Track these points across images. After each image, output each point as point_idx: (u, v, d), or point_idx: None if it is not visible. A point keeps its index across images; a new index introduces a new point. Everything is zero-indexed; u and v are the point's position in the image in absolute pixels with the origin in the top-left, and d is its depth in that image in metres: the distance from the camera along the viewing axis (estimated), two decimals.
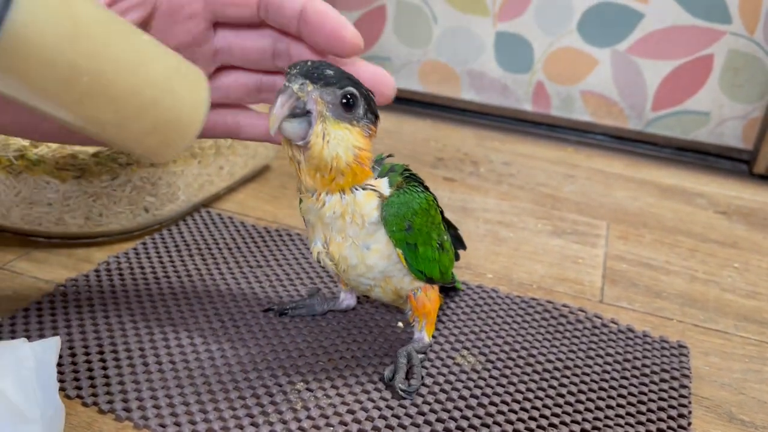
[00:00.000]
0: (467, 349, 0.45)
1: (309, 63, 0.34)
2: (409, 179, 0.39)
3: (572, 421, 0.39)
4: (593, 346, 0.47)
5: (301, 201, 0.39)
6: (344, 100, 0.34)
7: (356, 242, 0.38)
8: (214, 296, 0.49)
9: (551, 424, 0.39)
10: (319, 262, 0.40)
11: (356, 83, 0.35)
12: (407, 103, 1.09)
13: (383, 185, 0.38)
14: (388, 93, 0.37)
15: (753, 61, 0.90)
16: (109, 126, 0.27)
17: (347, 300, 0.47)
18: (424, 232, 0.39)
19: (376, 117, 0.37)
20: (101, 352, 0.41)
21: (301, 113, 0.33)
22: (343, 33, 0.34)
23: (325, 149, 0.34)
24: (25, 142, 0.50)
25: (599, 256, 0.62)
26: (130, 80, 0.26)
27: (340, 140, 0.34)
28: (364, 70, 0.37)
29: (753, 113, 0.93)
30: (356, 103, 0.35)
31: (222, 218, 0.61)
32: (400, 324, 0.47)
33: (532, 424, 0.38)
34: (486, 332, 0.47)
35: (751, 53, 0.90)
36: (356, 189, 0.37)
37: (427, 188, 0.41)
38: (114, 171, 0.52)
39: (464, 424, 0.38)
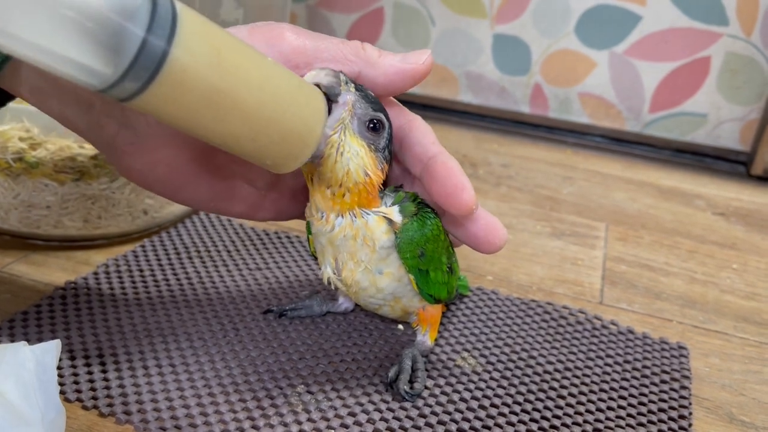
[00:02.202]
0: (468, 351, 0.45)
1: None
2: (421, 206, 0.39)
3: (573, 423, 0.39)
4: (593, 347, 0.47)
5: (308, 226, 0.40)
6: (372, 124, 0.35)
7: (369, 267, 0.38)
8: (213, 299, 0.48)
9: (552, 426, 0.39)
10: (330, 284, 0.40)
11: (388, 117, 0.36)
12: (405, 105, 1.08)
13: (394, 213, 0.38)
14: (498, 243, 0.37)
15: (750, 63, 0.90)
16: (244, 139, 0.29)
17: (346, 303, 0.47)
18: (435, 258, 0.39)
19: (391, 159, 0.37)
20: (101, 355, 0.41)
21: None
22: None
23: (338, 162, 0.34)
24: (24, 145, 0.49)
25: (598, 257, 0.62)
26: (261, 97, 0.29)
27: (353, 156, 0.35)
28: (479, 216, 0.37)
29: (750, 115, 0.93)
30: (382, 131, 0.35)
31: (221, 220, 0.61)
32: (400, 326, 0.47)
33: (533, 426, 0.38)
34: (486, 334, 0.47)
35: (748, 55, 0.90)
36: (367, 213, 0.37)
37: (437, 214, 0.41)
38: (113, 173, 0.52)
39: (465, 426, 0.38)
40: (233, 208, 0.42)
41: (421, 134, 0.38)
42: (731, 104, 0.93)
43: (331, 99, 0.34)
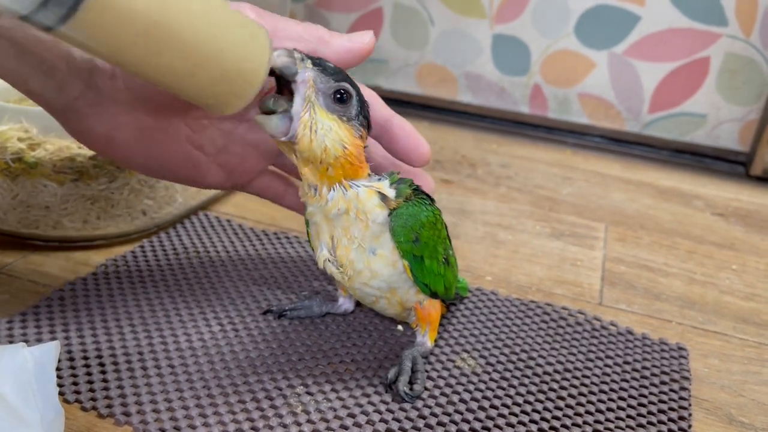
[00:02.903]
0: (467, 352, 0.45)
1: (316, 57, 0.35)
2: (417, 192, 0.39)
3: (573, 424, 0.39)
4: (593, 348, 0.47)
5: (307, 221, 0.40)
6: (338, 95, 0.35)
7: (363, 245, 0.38)
8: (212, 299, 0.48)
9: (552, 428, 0.39)
10: (325, 270, 0.40)
11: (353, 85, 0.35)
12: (404, 105, 1.09)
13: (385, 187, 0.38)
14: (422, 151, 0.42)
15: (749, 63, 0.90)
16: (182, 74, 0.29)
17: (345, 304, 0.47)
18: (430, 246, 0.39)
19: (369, 124, 0.37)
20: (99, 356, 0.41)
21: (282, 111, 0.34)
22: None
23: (313, 141, 0.34)
24: (23, 145, 0.49)
25: (598, 258, 0.62)
26: (199, 29, 0.28)
27: (327, 131, 0.35)
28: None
29: (749, 115, 0.93)
30: (349, 100, 0.35)
31: (220, 221, 0.61)
32: (400, 327, 0.47)
33: (533, 427, 0.38)
34: (486, 335, 0.47)
35: (747, 56, 0.90)
36: (357, 186, 0.37)
37: (433, 202, 0.41)
38: (112, 174, 0.52)
39: (465, 427, 0.38)
40: (199, 179, 0.44)
41: (372, 98, 0.41)
42: (730, 105, 0.93)
43: (289, 80, 0.34)
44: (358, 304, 0.49)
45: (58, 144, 0.50)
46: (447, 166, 0.84)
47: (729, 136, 0.95)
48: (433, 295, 0.41)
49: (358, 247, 0.38)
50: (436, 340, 0.46)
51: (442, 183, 0.78)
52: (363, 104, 0.37)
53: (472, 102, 1.06)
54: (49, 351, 0.33)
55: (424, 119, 1.05)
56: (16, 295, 0.47)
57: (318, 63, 0.35)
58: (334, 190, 0.37)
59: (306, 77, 0.34)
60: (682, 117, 0.96)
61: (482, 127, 1.04)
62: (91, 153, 0.51)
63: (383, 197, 0.37)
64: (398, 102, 1.09)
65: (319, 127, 0.34)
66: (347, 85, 0.35)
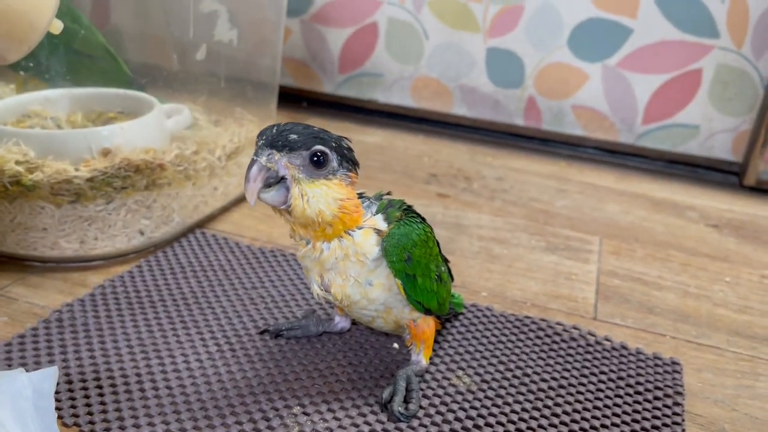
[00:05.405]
0: (462, 369, 0.46)
1: (274, 129, 0.36)
2: (407, 212, 0.40)
3: None
4: (587, 364, 0.48)
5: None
6: (315, 158, 0.36)
7: (359, 280, 0.38)
8: (209, 319, 0.49)
9: None
10: (321, 299, 0.41)
11: (324, 139, 0.36)
12: (400, 118, 1.09)
13: (379, 221, 0.39)
14: None
15: (741, 75, 0.91)
16: None
17: (342, 323, 0.48)
18: (422, 264, 0.39)
19: (355, 164, 0.38)
20: (98, 379, 0.41)
21: (275, 181, 0.35)
22: None
23: (307, 209, 0.36)
24: (20, 168, 0.50)
25: (592, 271, 0.63)
26: None
27: (319, 197, 0.36)
28: None
29: (742, 126, 0.94)
30: (326, 159, 0.36)
31: (216, 239, 0.61)
32: (395, 345, 0.48)
33: None
34: (481, 352, 0.48)
35: (739, 67, 0.91)
36: (352, 231, 0.38)
37: (424, 220, 0.41)
38: (109, 195, 0.52)
39: None
40: None
41: None
42: (723, 115, 0.94)
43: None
44: (354, 321, 0.49)
45: (56, 167, 0.50)
46: (443, 180, 0.84)
47: (722, 146, 0.96)
48: (427, 311, 0.42)
49: (354, 283, 0.39)
50: (431, 358, 0.46)
51: (438, 197, 0.78)
52: (342, 150, 0.37)
53: (467, 114, 1.06)
54: (48, 376, 0.34)
55: (419, 132, 1.05)
56: (15, 317, 0.47)
57: (283, 145, 0.35)
58: (328, 242, 0.38)
59: (283, 165, 0.35)
60: (676, 128, 0.97)
61: (477, 139, 1.05)
62: (88, 175, 0.51)
63: (378, 232, 0.38)
64: (394, 115, 1.09)
65: (309, 196, 0.36)
66: (319, 147, 0.36)
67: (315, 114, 1.10)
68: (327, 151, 0.36)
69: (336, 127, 1.04)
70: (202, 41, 0.60)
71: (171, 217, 0.58)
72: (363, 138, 1.00)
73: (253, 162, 0.35)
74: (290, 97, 1.13)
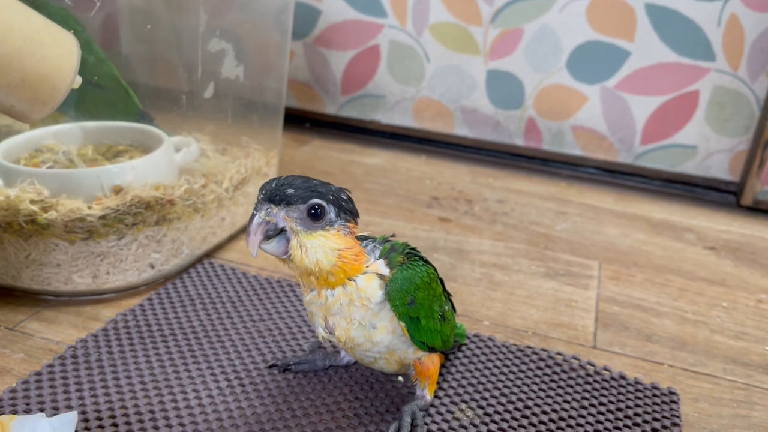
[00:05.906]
0: (466, 402, 0.47)
1: (273, 184, 0.37)
2: (410, 255, 0.41)
3: None
4: (587, 395, 0.49)
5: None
6: (312, 211, 0.37)
7: (363, 323, 0.40)
8: (219, 353, 0.50)
9: None
10: (326, 341, 0.42)
11: (321, 193, 0.38)
12: (402, 138, 1.11)
13: (381, 266, 0.40)
14: None
15: (737, 96, 0.93)
16: None
17: (348, 357, 0.49)
18: (426, 306, 0.41)
19: (354, 215, 0.39)
20: (113, 416, 0.43)
21: (275, 233, 0.37)
22: None
23: (305, 259, 0.37)
24: (35, 207, 0.51)
25: (592, 298, 0.64)
26: None
27: (317, 248, 0.37)
28: None
29: (739, 146, 0.95)
30: (323, 212, 0.38)
31: (224, 269, 0.63)
32: (400, 378, 0.49)
33: None
34: (484, 384, 0.49)
35: (735, 89, 0.93)
36: (354, 278, 0.39)
37: (427, 262, 0.43)
38: (120, 231, 0.54)
39: None
40: None
41: None
42: (720, 136, 0.96)
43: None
44: None
45: (69, 205, 0.52)
46: (444, 203, 0.86)
47: (719, 166, 0.97)
48: (431, 349, 0.43)
49: (358, 327, 0.40)
50: (435, 392, 0.47)
51: (440, 222, 0.80)
52: (340, 201, 0.38)
53: (468, 135, 1.08)
54: (68, 421, 0.35)
55: (421, 153, 1.07)
56: (31, 353, 0.49)
57: (281, 199, 0.37)
58: (332, 289, 0.39)
59: (281, 218, 0.37)
60: (673, 148, 0.98)
61: (478, 159, 1.06)
62: (101, 213, 0.53)
63: (381, 276, 0.40)
64: (396, 136, 1.11)
65: (308, 247, 0.37)
66: (315, 201, 0.37)
67: (318, 135, 1.11)
68: (324, 204, 0.37)
69: (339, 148, 1.05)
70: (209, 80, 0.62)
71: (180, 250, 0.59)
72: (366, 159, 1.01)
73: (253, 216, 0.37)
74: (293, 119, 1.15)
